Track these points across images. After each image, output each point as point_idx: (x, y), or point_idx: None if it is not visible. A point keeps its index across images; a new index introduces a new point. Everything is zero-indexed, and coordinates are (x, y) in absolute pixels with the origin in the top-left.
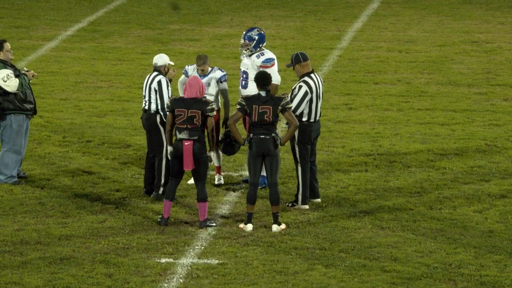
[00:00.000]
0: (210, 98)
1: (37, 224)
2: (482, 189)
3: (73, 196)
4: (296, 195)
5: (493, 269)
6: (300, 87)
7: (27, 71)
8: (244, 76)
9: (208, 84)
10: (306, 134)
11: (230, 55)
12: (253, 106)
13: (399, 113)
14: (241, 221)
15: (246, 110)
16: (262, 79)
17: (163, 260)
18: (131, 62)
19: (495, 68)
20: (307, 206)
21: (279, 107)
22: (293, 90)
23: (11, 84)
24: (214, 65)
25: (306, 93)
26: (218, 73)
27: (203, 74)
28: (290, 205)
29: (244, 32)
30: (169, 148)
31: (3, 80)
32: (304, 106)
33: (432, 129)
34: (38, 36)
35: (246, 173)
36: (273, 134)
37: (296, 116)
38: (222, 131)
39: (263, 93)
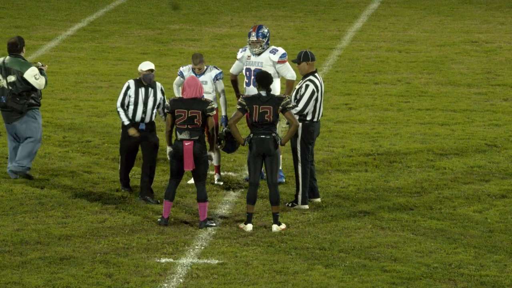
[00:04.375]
0: (208, 97)
1: (37, 224)
2: (482, 189)
3: (73, 196)
4: (296, 195)
5: (493, 269)
6: (307, 85)
7: (43, 65)
8: (248, 74)
9: (205, 83)
10: (309, 133)
11: (230, 55)
12: (254, 106)
13: (399, 113)
14: (241, 221)
15: (247, 110)
16: (264, 79)
17: (163, 260)
18: (131, 62)
19: (495, 68)
20: (307, 206)
21: (280, 107)
22: (298, 90)
23: (41, 82)
24: (215, 65)
25: (313, 92)
26: (214, 71)
27: (200, 72)
28: (290, 205)
29: (250, 31)
30: (169, 149)
31: (35, 78)
32: (311, 104)
33: (432, 129)
34: (38, 36)
35: (246, 173)
36: (273, 134)
37: (303, 115)
38: (221, 129)
39: (263, 93)
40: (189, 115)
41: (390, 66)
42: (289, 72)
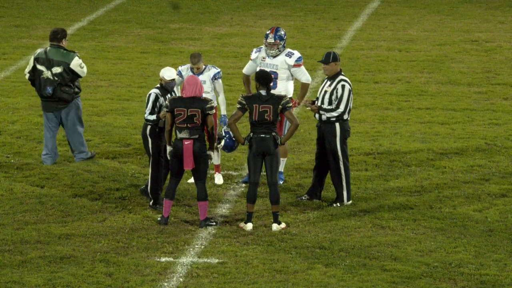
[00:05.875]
0: (207, 96)
1: (37, 223)
2: (482, 188)
3: (73, 195)
4: (340, 193)
5: (493, 268)
6: (343, 86)
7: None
8: None
9: (204, 82)
10: (346, 131)
11: (230, 54)
12: (254, 105)
13: (399, 112)
14: (241, 220)
15: (246, 109)
16: (264, 78)
17: (163, 259)
18: (131, 61)
19: (495, 67)
20: (350, 201)
21: (280, 106)
22: (333, 91)
23: (85, 70)
24: (214, 64)
25: (350, 92)
26: (212, 71)
27: (198, 72)
28: (338, 204)
29: (268, 33)
30: (169, 148)
31: (80, 67)
32: (350, 104)
33: (432, 128)
34: (38, 35)
35: (246, 172)
36: (273, 133)
37: (342, 114)
38: (220, 128)
39: (263, 92)
40: (188, 114)
41: (390, 65)
42: (304, 75)
